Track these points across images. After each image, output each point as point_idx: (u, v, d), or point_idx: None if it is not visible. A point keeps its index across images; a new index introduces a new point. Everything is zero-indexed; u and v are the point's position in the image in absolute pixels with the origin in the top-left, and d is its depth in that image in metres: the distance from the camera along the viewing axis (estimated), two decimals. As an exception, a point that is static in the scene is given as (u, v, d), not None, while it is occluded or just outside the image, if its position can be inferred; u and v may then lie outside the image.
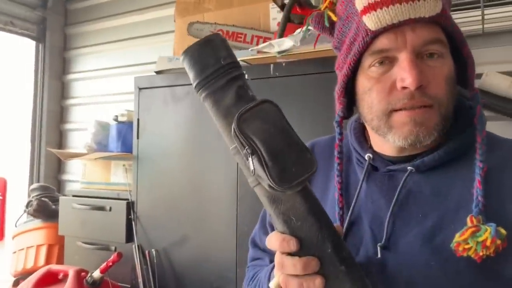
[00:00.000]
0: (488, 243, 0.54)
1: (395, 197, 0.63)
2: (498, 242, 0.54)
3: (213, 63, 0.57)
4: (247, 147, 0.51)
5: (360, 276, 0.53)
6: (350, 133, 0.74)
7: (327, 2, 0.68)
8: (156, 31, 2.46)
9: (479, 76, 1.56)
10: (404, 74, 0.57)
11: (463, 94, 0.67)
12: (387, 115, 0.61)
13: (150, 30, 2.49)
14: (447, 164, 0.63)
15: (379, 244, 0.62)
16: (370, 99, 0.62)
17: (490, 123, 0.70)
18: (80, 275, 1.80)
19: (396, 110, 0.60)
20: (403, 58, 0.58)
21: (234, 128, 0.52)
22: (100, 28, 2.72)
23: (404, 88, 0.58)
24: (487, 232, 0.54)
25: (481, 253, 0.54)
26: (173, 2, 2.11)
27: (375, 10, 0.57)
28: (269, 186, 0.51)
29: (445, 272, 0.57)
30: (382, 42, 0.59)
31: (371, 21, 0.58)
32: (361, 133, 0.73)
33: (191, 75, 0.59)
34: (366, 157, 0.69)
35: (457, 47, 0.63)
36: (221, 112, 0.56)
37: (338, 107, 0.69)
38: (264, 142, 0.51)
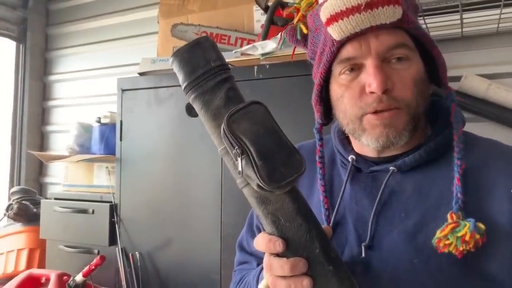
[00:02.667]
0: (467, 237, 0.55)
1: (378, 196, 0.65)
2: (477, 236, 0.55)
3: (203, 65, 0.58)
4: (236, 147, 0.52)
5: (347, 276, 0.54)
6: (334, 136, 0.76)
7: (299, 15, 0.71)
8: (139, 32, 2.44)
9: (459, 78, 1.60)
10: (370, 80, 0.60)
11: (441, 95, 0.69)
12: (360, 119, 0.63)
13: (133, 31, 2.47)
14: (428, 163, 0.65)
15: (363, 243, 0.63)
16: (343, 105, 0.65)
17: (470, 125, 0.72)
18: (62, 279, 1.77)
19: (367, 114, 0.63)
20: (369, 65, 0.61)
21: (223, 129, 0.53)
22: (82, 29, 2.69)
23: (372, 92, 0.61)
24: (466, 227, 0.56)
25: (461, 248, 0.56)
26: (156, 3, 2.10)
27: (337, 21, 0.60)
28: (258, 186, 0.52)
29: (428, 269, 0.59)
30: (348, 51, 0.62)
31: (335, 32, 0.61)
32: (345, 136, 0.75)
33: (180, 76, 0.59)
34: (349, 158, 0.70)
35: (427, 49, 0.65)
36: (210, 113, 0.57)
37: (316, 115, 0.72)
38: (254, 142, 0.52)
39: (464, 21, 1.50)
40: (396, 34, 0.61)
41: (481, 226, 0.56)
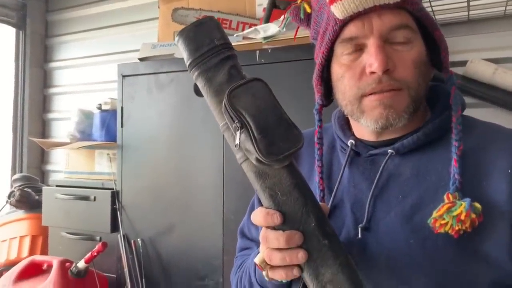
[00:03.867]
0: (462, 217, 0.55)
1: (376, 179, 0.65)
2: (473, 216, 0.55)
3: (208, 42, 0.59)
4: (236, 121, 0.53)
5: (342, 250, 0.54)
6: (334, 122, 0.76)
7: None
8: (140, 18, 2.41)
9: (464, 63, 1.57)
10: (371, 60, 0.60)
11: (442, 79, 0.69)
12: (358, 99, 0.63)
13: (134, 17, 2.44)
14: (426, 146, 0.65)
15: (360, 225, 0.63)
16: (343, 86, 0.64)
17: (476, 110, 0.72)
18: (64, 266, 1.78)
19: (366, 95, 0.62)
20: (371, 44, 0.60)
21: (224, 103, 0.54)
22: (82, 15, 2.66)
23: (372, 73, 0.60)
24: (462, 207, 0.55)
25: (457, 228, 0.55)
26: (157, -12, 2.07)
27: (341, 0, 0.59)
28: (257, 159, 0.53)
29: (424, 250, 0.59)
30: (350, 30, 0.62)
31: (338, 10, 0.60)
32: (345, 121, 0.75)
33: (185, 54, 0.61)
34: (348, 143, 0.70)
35: (429, 32, 0.65)
36: (213, 89, 0.58)
37: (316, 95, 0.72)
38: (253, 117, 0.52)
39: (471, 3, 1.47)
40: (399, 15, 0.60)
41: (477, 205, 0.56)
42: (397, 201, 0.63)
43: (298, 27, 0.77)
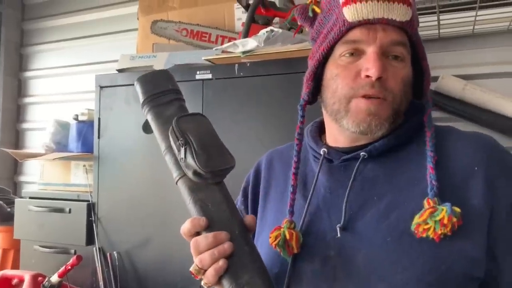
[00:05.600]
0: (445, 221, 0.58)
1: (350, 183, 0.68)
2: (454, 220, 0.58)
3: (163, 85, 0.71)
4: (181, 139, 0.62)
5: (260, 258, 0.62)
6: (307, 135, 0.79)
7: None
8: (118, 29, 2.40)
9: (436, 79, 1.63)
10: (369, 64, 0.64)
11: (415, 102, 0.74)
12: (348, 100, 0.66)
13: (112, 27, 2.43)
14: (397, 149, 0.69)
15: (338, 225, 0.66)
16: (335, 84, 0.68)
17: (446, 124, 0.75)
18: (36, 280, 1.73)
19: (356, 97, 0.66)
20: (371, 51, 0.64)
21: (172, 125, 0.63)
22: (60, 24, 2.63)
23: (367, 77, 0.64)
24: (444, 211, 0.58)
25: (439, 232, 0.58)
26: (136, 0, 2.07)
27: (355, 3, 0.64)
28: (195, 172, 0.61)
29: (401, 247, 0.61)
30: (355, 34, 0.65)
31: (350, 12, 0.64)
32: (317, 134, 0.79)
33: (142, 91, 0.71)
34: (321, 151, 0.73)
35: (418, 60, 0.70)
36: (162, 120, 0.68)
37: (304, 91, 0.74)
38: (196, 137, 0.62)
39: (441, 22, 1.53)
40: (400, 34, 0.65)
41: (457, 209, 0.59)
42: (373, 202, 0.66)
43: (298, 28, 0.82)
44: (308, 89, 0.74)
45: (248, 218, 0.64)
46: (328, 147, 0.74)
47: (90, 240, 1.80)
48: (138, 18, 1.97)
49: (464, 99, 1.59)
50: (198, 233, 0.63)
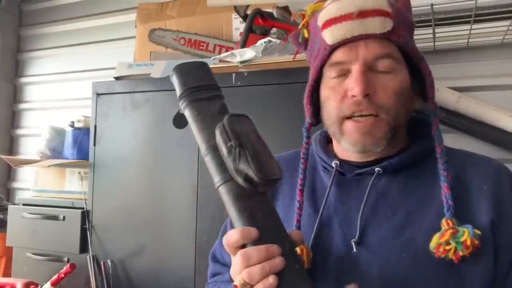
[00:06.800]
0: (468, 243, 0.58)
1: (365, 197, 0.67)
2: (476, 242, 0.58)
3: (205, 79, 0.66)
4: (234, 140, 0.56)
5: (308, 278, 0.56)
6: (316, 144, 0.79)
7: (304, 21, 0.75)
8: (116, 37, 2.40)
9: (431, 90, 1.64)
10: (352, 84, 0.64)
11: (425, 111, 0.73)
12: (340, 122, 0.67)
13: (110, 35, 2.43)
14: (410, 166, 0.69)
15: (353, 240, 0.65)
16: (328, 107, 0.69)
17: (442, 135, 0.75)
18: (28, 288, 1.71)
19: (348, 118, 0.66)
20: (354, 70, 0.64)
21: (223, 124, 0.58)
22: (57, 31, 2.63)
23: (353, 96, 0.64)
24: (467, 233, 0.58)
25: (461, 253, 0.58)
26: (134, 8, 2.08)
27: (331, 26, 0.64)
28: (246, 178, 0.55)
29: (416, 264, 0.62)
30: (338, 56, 0.66)
31: (328, 35, 0.65)
32: (326, 143, 0.79)
33: (179, 83, 0.66)
34: (333, 164, 0.73)
35: (415, 64, 0.69)
36: (204, 115, 0.63)
37: (306, 114, 0.76)
38: (249, 141, 0.57)
39: (437, 35, 1.55)
40: (385, 45, 0.65)
41: (477, 231, 0.59)
42: (387, 217, 0.66)
43: (297, 51, 0.83)
44: (309, 112, 0.75)
45: (294, 233, 0.60)
46: (339, 160, 0.74)
47: (83, 248, 1.78)
48: (136, 26, 1.98)
49: (459, 111, 1.61)
50: (244, 245, 0.57)
